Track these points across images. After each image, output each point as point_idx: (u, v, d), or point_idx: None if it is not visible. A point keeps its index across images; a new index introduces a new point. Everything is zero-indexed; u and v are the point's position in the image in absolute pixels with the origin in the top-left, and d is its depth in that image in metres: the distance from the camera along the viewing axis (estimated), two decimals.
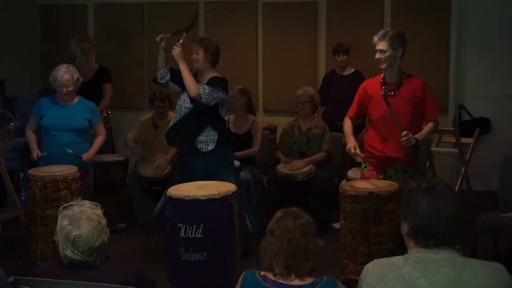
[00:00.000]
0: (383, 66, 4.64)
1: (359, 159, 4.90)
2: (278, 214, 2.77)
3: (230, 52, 8.01)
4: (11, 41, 8.07)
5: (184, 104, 5.26)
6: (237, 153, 6.34)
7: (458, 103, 7.72)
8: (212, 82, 5.20)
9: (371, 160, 4.76)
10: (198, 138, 5.24)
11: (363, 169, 4.89)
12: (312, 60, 7.90)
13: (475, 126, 7.21)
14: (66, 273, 2.77)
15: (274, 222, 2.74)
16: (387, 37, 4.58)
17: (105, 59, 7.52)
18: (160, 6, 8.30)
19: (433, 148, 7.10)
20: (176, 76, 5.35)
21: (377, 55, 4.62)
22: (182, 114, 5.27)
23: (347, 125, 4.88)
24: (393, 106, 4.52)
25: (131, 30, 8.39)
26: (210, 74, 5.29)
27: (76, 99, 5.61)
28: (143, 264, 5.13)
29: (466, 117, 7.68)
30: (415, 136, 4.51)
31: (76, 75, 5.49)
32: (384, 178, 4.72)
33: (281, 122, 7.16)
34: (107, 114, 7.22)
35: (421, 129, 4.72)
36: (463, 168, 7.09)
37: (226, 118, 6.60)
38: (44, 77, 8.58)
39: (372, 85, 4.79)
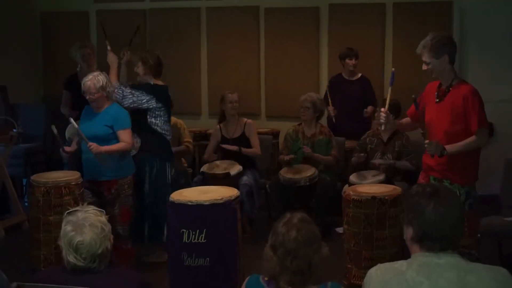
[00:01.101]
0: (433, 76, 4.33)
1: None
2: (281, 227, 2.64)
3: (232, 57, 8.07)
4: (13, 48, 8.10)
5: None
6: (243, 150, 6.36)
7: None
8: (137, 87, 5.51)
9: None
10: None
11: None
12: (314, 65, 7.90)
13: None
14: (69, 279, 2.77)
15: (277, 236, 2.63)
16: (427, 48, 4.26)
17: (107, 66, 7.51)
18: (162, 12, 8.32)
19: None
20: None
21: (423, 67, 4.31)
22: None
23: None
24: (436, 113, 4.27)
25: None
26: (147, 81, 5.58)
27: (106, 106, 5.48)
28: (145, 269, 5.12)
29: None
30: (446, 146, 4.13)
31: (101, 83, 5.36)
32: None
33: (283, 127, 7.17)
34: None
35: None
36: None
37: (217, 126, 6.63)
38: (46, 84, 8.62)
39: (431, 88, 4.44)
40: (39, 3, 8.66)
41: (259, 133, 6.79)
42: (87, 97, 5.29)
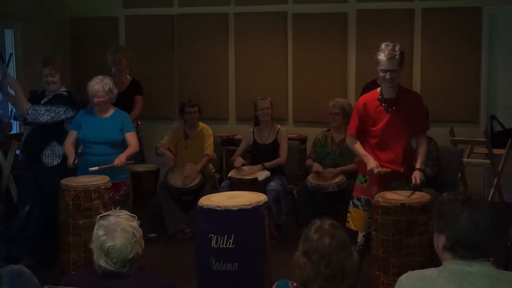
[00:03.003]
0: (391, 85, 4.67)
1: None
2: (313, 233, 2.66)
3: (259, 63, 8.08)
4: (43, 53, 8.15)
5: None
6: (266, 164, 6.36)
7: (490, 114, 7.64)
8: (52, 100, 5.59)
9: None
10: (44, 152, 5.56)
11: (362, 183, 4.85)
12: (341, 71, 7.89)
13: (507, 137, 7.12)
14: (98, 282, 2.79)
15: (310, 242, 2.64)
16: (396, 57, 4.64)
17: (136, 70, 7.59)
18: (190, 18, 8.36)
19: (464, 160, 7.03)
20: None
21: (389, 76, 4.61)
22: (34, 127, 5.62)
23: (358, 145, 4.82)
24: (391, 120, 4.63)
25: (161, 41, 8.47)
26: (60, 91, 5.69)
27: (112, 111, 5.64)
28: (173, 274, 5.14)
29: (498, 128, 7.60)
30: (417, 167, 4.65)
31: (109, 86, 5.53)
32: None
33: (311, 133, 7.16)
34: (137, 124, 7.27)
35: (409, 144, 4.78)
36: (496, 179, 7.01)
37: (250, 130, 6.64)
38: (75, 89, 8.66)
39: (370, 101, 4.76)
40: (69, 9, 8.76)
41: None
42: (95, 101, 5.51)
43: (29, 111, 5.47)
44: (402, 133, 4.69)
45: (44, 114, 5.51)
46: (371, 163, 4.65)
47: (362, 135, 4.80)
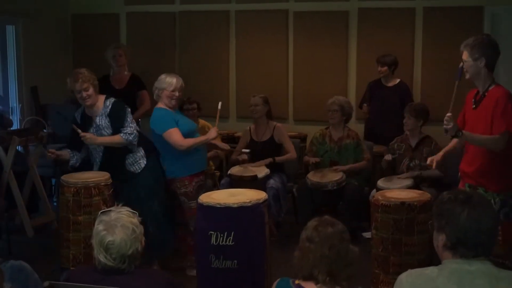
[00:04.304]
0: (467, 76, 4.26)
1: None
2: (314, 223, 2.76)
3: (260, 61, 8.08)
4: (45, 50, 8.19)
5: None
6: (277, 158, 6.38)
7: None
8: (114, 115, 5.24)
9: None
10: (127, 161, 5.32)
11: None
12: (342, 69, 7.89)
13: None
14: (100, 278, 2.80)
15: (312, 230, 2.72)
16: (467, 47, 4.22)
17: (137, 67, 7.59)
18: (191, 15, 8.36)
19: None
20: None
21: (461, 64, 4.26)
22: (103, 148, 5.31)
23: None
24: (473, 120, 4.24)
25: (163, 38, 8.47)
26: (100, 99, 5.31)
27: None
28: (173, 270, 5.15)
29: None
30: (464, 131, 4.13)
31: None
32: None
33: (311, 130, 7.16)
34: (138, 121, 7.26)
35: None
36: None
37: (248, 128, 6.65)
38: None
39: (470, 97, 4.39)
40: (71, 6, 8.77)
41: None
42: (177, 94, 5.41)
43: (126, 134, 5.19)
44: (479, 131, 4.15)
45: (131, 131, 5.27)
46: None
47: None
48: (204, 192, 4.93)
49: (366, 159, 6.39)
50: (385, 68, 7.11)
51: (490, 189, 4.11)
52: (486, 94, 4.19)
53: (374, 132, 7.11)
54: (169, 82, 5.41)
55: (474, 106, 4.25)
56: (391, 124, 6.85)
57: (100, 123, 5.22)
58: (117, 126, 5.20)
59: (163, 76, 5.48)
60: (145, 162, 5.31)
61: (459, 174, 4.39)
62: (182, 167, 5.37)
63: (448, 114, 4.11)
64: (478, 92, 4.27)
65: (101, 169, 5.31)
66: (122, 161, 5.28)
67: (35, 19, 7.97)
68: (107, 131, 5.23)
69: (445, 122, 4.12)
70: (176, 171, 5.39)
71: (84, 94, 5.17)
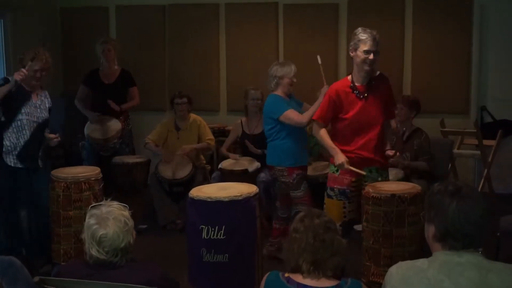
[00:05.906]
0: (371, 68, 4.67)
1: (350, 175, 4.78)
2: (300, 215, 2.81)
3: (251, 54, 8.06)
4: (33, 44, 8.11)
5: (32, 118, 5.26)
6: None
7: (480, 105, 7.67)
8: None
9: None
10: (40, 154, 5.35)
11: (333, 172, 4.83)
12: (332, 61, 7.87)
13: (497, 128, 7.15)
14: (90, 273, 2.79)
15: (298, 221, 2.77)
16: (377, 39, 4.63)
17: (126, 61, 7.56)
18: (181, 8, 8.33)
19: (455, 151, 7.05)
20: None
21: (372, 56, 4.61)
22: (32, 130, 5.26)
23: (325, 134, 4.81)
24: (363, 108, 4.68)
25: (152, 31, 8.43)
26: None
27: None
28: (164, 265, 5.11)
29: (488, 119, 7.63)
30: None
31: None
32: (358, 179, 4.75)
33: None
34: (128, 116, 7.23)
35: (382, 130, 4.81)
36: (486, 170, 7.05)
37: (239, 120, 6.64)
38: (66, 79, 8.66)
39: (342, 89, 4.77)
40: None
41: None
42: (294, 81, 5.57)
43: None
44: (374, 120, 4.72)
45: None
46: (339, 157, 4.65)
47: (333, 122, 4.84)
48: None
49: None
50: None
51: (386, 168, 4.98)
52: (373, 82, 4.77)
53: None
54: (287, 69, 5.50)
55: (363, 95, 4.74)
56: None
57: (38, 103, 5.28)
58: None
59: (277, 65, 5.56)
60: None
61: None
62: (285, 158, 5.45)
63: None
64: (353, 84, 4.77)
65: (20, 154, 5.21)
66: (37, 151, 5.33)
67: (24, 12, 7.91)
68: (44, 114, 5.32)
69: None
70: (276, 160, 5.50)
71: (39, 74, 5.21)
